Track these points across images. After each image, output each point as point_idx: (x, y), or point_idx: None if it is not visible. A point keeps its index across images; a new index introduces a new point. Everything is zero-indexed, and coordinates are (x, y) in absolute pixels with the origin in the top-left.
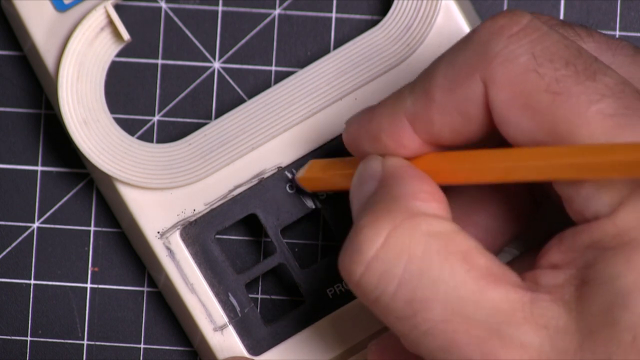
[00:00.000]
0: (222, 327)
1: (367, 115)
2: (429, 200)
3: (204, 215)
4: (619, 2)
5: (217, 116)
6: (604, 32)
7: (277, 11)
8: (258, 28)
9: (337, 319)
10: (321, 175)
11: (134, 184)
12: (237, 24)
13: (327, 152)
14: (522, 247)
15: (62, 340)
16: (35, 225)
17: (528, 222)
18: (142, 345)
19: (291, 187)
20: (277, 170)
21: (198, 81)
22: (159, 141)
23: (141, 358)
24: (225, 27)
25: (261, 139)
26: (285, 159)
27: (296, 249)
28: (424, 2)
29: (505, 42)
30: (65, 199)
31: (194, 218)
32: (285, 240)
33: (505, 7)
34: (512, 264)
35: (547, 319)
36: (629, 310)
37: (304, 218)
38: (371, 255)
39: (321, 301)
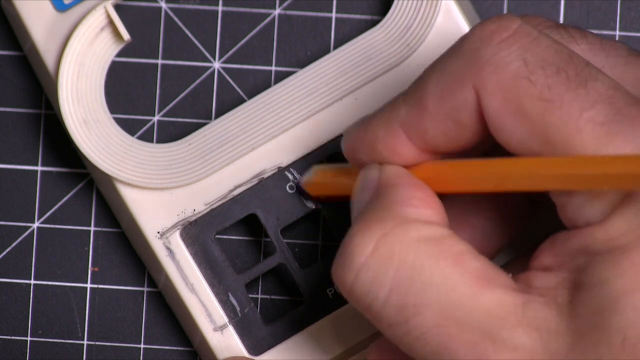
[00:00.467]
0: (222, 327)
1: (363, 126)
2: (421, 207)
3: (204, 215)
4: (619, 2)
5: (217, 116)
6: (604, 32)
7: (277, 11)
8: (258, 28)
9: (337, 319)
10: (325, 182)
11: (134, 184)
12: (237, 24)
13: (326, 152)
14: (518, 249)
15: (62, 340)
16: (35, 225)
17: (525, 224)
18: (142, 345)
19: (291, 187)
20: (277, 170)
21: (198, 81)
22: (159, 141)
23: (141, 358)
24: (225, 27)
25: (261, 139)
26: (285, 159)
27: (296, 249)
28: (424, 2)
29: (496, 49)
30: (65, 199)
31: (194, 218)
32: (285, 240)
33: (505, 7)
34: (506, 266)
35: (539, 321)
36: (618, 314)
37: (304, 218)
38: (361, 262)
39: (321, 301)
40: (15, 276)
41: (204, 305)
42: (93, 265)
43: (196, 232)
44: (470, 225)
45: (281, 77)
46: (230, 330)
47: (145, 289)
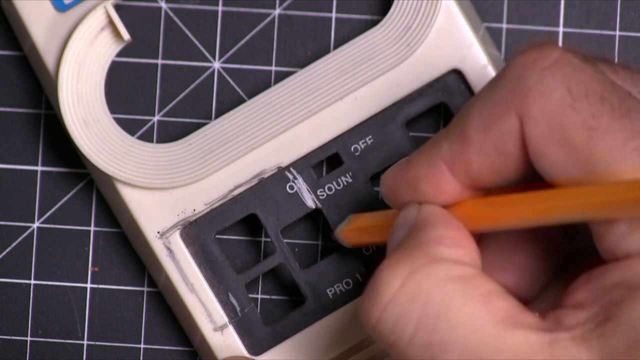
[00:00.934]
0: (222, 327)
1: (404, 165)
2: (452, 246)
3: (204, 215)
4: (619, 2)
5: (217, 116)
6: (604, 32)
7: (277, 11)
8: (258, 28)
9: (337, 319)
10: (362, 229)
11: (134, 184)
12: (237, 24)
13: (326, 152)
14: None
15: (62, 340)
16: (35, 225)
17: (563, 258)
18: (142, 345)
19: (291, 187)
20: (277, 170)
21: (198, 81)
22: (159, 141)
23: (141, 358)
24: (225, 27)
25: (261, 139)
26: (285, 159)
27: (296, 249)
28: (424, 2)
29: (539, 76)
30: (65, 199)
31: (194, 218)
32: (285, 240)
33: (505, 7)
34: (536, 299)
35: (567, 358)
36: None
37: (304, 218)
38: (388, 298)
39: (321, 301)
40: (15, 276)
41: (204, 305)
42: (93, 265)
43: (196, 232)
44: (515, 265)
45: (281, 77)
46: (230, 330)
47: (145, 289)
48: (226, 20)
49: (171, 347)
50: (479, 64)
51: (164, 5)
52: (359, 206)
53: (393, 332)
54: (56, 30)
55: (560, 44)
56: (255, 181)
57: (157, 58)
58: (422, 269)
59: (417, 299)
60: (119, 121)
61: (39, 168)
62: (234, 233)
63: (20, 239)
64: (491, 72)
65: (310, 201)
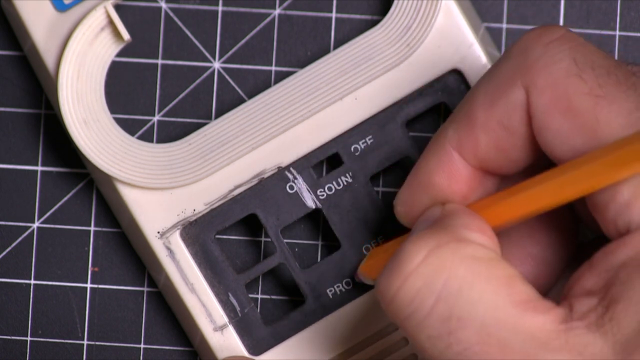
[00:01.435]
0: (222, 327)
1: (413, 171)
2: (478, 232)
3: (204, 215)
4: (619, 2)
5: (217, 116)
6: (604, 32)
7: (277, 11)
8: (258, 28)
9: (337, 319)
10: (383, 256)
11: (134, 184)
12: (237, 24)
13: (326, 152)
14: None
15: (62, 340)
16: (35, 225)
17: (575, 247)
18: (142, 345)
19: (291, 187)
20: (277, 170)
21: (198, 81)
22: (159, 141)
23: (141, 358)
24: (225, 27)
25: (261, 139)
26: (285, 159)
27: (296, 249)
28: (424, 2)
29: (544, 48)
30: (65, 199)
31: (194, 218)
32: (285, 240)
33: (505, 7)
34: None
35: (582, 346)
36: None
37: (304, 218)
38: (411, 269)
39: (321, 301)
40: (15, 276)
41: (204, 305)
42: (93, 265)
43: (196, 232)
44: (532, 256)
45: (281, 77)
46: (230, 330)
47: (145, 289)
48: (226, 20)
49: (171, 347)
50: (479, 64)
51: (164, 5)
52: (359, 206)
53: (412, 303)
54: (56, 30)
55: None
56: (255, 181)
57: (157, 58)
58: (448, 244)
59: (440, 272)
60: (119, 121)
61: (39, 168)
62: (234, 233)
63: (20, 239)
64: None
65: (310, 201)
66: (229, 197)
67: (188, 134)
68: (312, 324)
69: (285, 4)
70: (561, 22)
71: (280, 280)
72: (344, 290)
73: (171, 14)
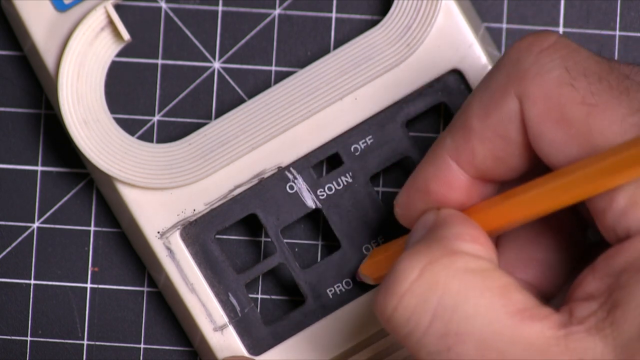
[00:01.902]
0: (222, 327)
1: (412, 176)
2: (470, 242)
3: (204, 215)
4: (619, 2)
5: (217, 116)
6: (603, 32)
7: (277, 11)
8: (258, 28)
9: (337, 319)
10: (384, 258)
11: (134, 184)
12: (237, 24)
13: (326, 152)
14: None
15: (62, 340)
16: (35, 225)
17: (581, 252)
18: (142, 345)
19: (291, 187)
20: (277, 170)
21: (198, 81)
22: (159, 141)
23: (141, 358)
24: (225, 27)
25: (261, 139)
26: (285, 159)
27: (296, 249)
28: (424, 2)
29: (536, 57)
30: (65, 199)
31: (194, 218)
32: (285, 240)
33: (505, 7)
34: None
35: (582, 350)
36: None
37: (304, 218)
38: (405, 288)
39: (321, 301)
40: (15, 276)
41: (204, 305)
42: (93, 265)
43: (196, 232)
44: (536, 260)
45: (281, 77)
46: (230, 330)
47: (145, 289)
48: (226, 20)
49: (171, 347)
50: (479, 64)
51: (164, 5)
52: (359, 206)
53: (409, 322)
54: (56, 30)
55: None
56: (255, 181)
57: (157, 58)
58: (440, 260)
59: (434, 289)
60: (119, 121)
61: (39, 168)
62: (234, 233)
63: (20, 239)
64: None
65: (310, 201)
66: (229, 197)
67: (188, 134)
68: (312, 324)
69: (285, 4)
70: (561, 22)
71: (280, 280)
72: (344, 290)
73: (171, 14)
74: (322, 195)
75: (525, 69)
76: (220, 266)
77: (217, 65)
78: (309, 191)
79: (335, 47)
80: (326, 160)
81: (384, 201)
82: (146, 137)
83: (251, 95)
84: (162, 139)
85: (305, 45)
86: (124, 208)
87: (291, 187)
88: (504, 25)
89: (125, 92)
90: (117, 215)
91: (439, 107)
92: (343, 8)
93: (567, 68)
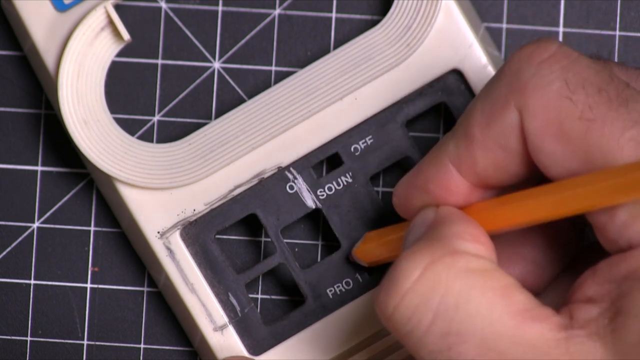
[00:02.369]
0: (222, 327)
1: (414, 170)
2: (471, 241)
3: (204, 215)
4: (619, 2)
5: (217, 116)
6: (603, 32)
7: (277, 11)
8: (258, 28)
9: (337, 319)
10: (377, 243)
11: (134, 184)
12: (237, 24)
13: (326, 152)
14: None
15: (62, 340)
16: (35, 225)
17: (574, 251)
18: (142, 345)
19: (291, 187)
20: (277, 170)
21: (198, 81)
22: (159, 141)
23: (141, 358)
24: (225, 27)
25: (261, 139)
26: (285, 159)
27: (296, 249)
28: (424, 2)
29: (536, 69)
30: (65, 199)
31: (194, 218)
32: (285, 240)
33: (505, 7)
34: (547, 291)
35: (583, 354)
36: None
37: (304, 218)
38: (407, 287)
39: (321, 301)
40: (15, 276)
41: (204, 305)
42: (93, 265)
43: (196, 232)
44: (523, 257)
45: (281, 77)
46: (230, 330)
47: (145, 289)
48: (226, 20)
49: (171, 347)
50: (479, 64)
51: (164, 5)
52: (359, 206)
53: (410, 321)
54: (56, 30)
55: None
56: (255, 181)
57: (157, 58)
58: (442, 259)
59: (436, 288)
60: (119, 121)
61: (39, 168)
62: (234, 233)
63: (20, 239)
64: (491, 72)
65: (310, 201)
66: (229, 197)
67: (188, 134)
68: (312, 324)
69: (285, 4)
70: (561, 22)
71: (280, 280)
72: (344, 290)
73: (171, 14)
74: (322, 195)
75: (526, 80)
76: (220, 266)
77: (217, 65)
78: (309, 191)
79: (335, 47)
80: (326, 160)
81: (384, 201)
82: (146, 137)
83: (251, 95)
84: (162, 139)
85: (305, 45)
86: (124, 208)
87: (291, 187)
88: (504, 25)
89: (125, 92)
90: (117, 215)
91: (439, 107)
92: (343, 8)
93: (566, 80)
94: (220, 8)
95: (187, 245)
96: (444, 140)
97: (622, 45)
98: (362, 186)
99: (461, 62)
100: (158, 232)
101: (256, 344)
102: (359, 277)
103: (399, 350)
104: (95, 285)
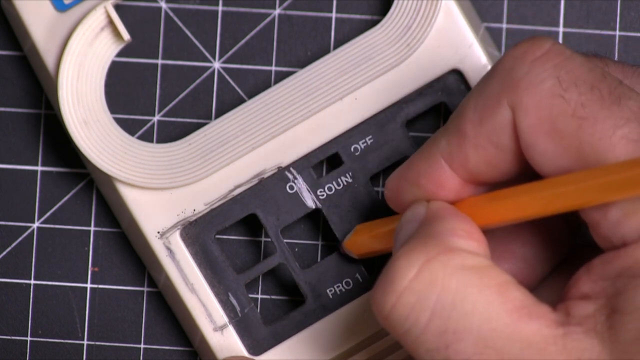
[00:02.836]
0: (222, 327)
1: (406, 164)
2: (466, 238)
3: (204, 215)
4: (619, 2)
5: (217, 116)
6: (603, 32)
7: (277, 11)
8: (258, 28)
9: (337, 319)
10: (367, 236)
11: (134, 184)
12: (237, 24)
13: (326, 152)
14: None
15: (62, 340)
16: (35, 225)
17: (566, 249)
18: (142, 345)
19: (291, 187)
20: (277, 170)
21: (198, 81)
22: (159, 141)
23: (141, 358)
24: (225, 27)
25: (261, 139)
26: (285, 159)
27: (296, 249)
28: (424, 2)
29: (529, 67)
30: (65, 199)
31: (194, 218)
32: (285, 240)
33: (505, 7)
34: (543, 288)
35: (580, 351)
36: None
37: (304, 218)
38: (403, 286)
39: (321, 301)
40: (15, 276)
41: (204, 305)
42: (93, 265)
43: (196, 232)
44: (514, 254)
45: (281, 77)
46: (230, 330)
47: (145, 289)
48: (226, 20)
49: (171, 347)
50: (479, 64)
51: (164, 5)
52: (359, 206)
53: (407, 319)
54: (56, 30)
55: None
56: (255, 181)
57: (157, 58)
58: (438, 257)
59: (433, 286)
60: (119, 121)
61: (39, 168)
62: (234, 233)
63: (20, 239)
64: None
65: (310, 201)
66: (229, 197)
67: (188, 134)
68: (312, 324)
69: (285, 4)
70: (561, 22)
71: (280, 280)
72: (344, 290)
73: (171, 14)
74: (322, 195)
75: (519, 78)
76: (220, 266)
77: (217, 65)
78: (309, 191)
79: (335, 47)
80: (326, 160)
81: (384, 201)
82: (146, 137)
83: (251, 95)
84: (162, 139)
85: (305, 45)
86: (124, 208)
87: (291, 187)
88: (504, 25)
89: (125, 92)
90: (117, 215)
91: (439, 107)
92: (343, 8)
93: (559, 78)
94: (220, 8)
95: (187, 245)
96: (436, 136)
97: (622, 45)
98: (362, 186)
99: (461, 62)
100: (158, 232)
101: (256, 344)
102: (359, 277)
103: (399, 350)
104: (95, 285)
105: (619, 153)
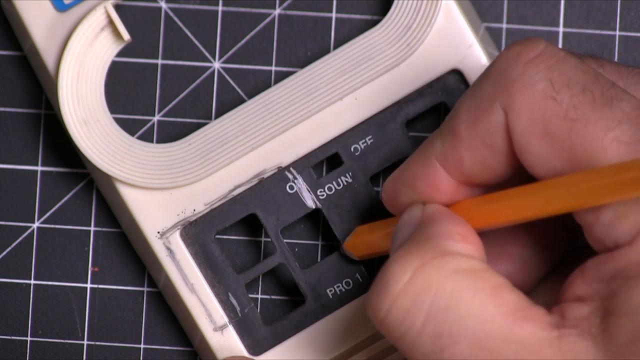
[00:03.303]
0: (222, 327)
1: (401, 168)
2: (461, 241)
3: (204, 215)
4: (619, 2)
5: (217, 116)
6: (603, 32)
7: (277, 11)
8: (258, 28)
9: (337, 319)
10: (367, 238)
11: (134, 184)
12: (237, 24)
13: (326, 152)
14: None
15: (62, 340)
16: (35, 225)
17: (563, 251)
18: (142, 345)
19: (291, 187)
20: (277, 170)
21: (198, 81)
22: (159, 141)
23: (141, 358)
24: (225, 27)
25: (261, 139)
26: (285, 159)
27: (296, 249)
28: (424, 2)
29: (523, 69)
30: (65, 199)
31: (194, 218)
32: (285, 240)
33: (505, 7)
34: (539, 290)
35: (575, 353)
36: None
37: (304, 218)
38: (398, 290)
39: (321, 301)
40: (15, 276)
41: (204, 305)
42: (93, 265)
43: (196, 232)
44: (510, 255)
45: (281, 77)
46: (230, 330)
47: (145, 289)
48: (226, 20)
49: (171, 347)
50: (479, 64)
51: (164, 5)
52: (359, 206)
53: (403, 323)
54: (56, 30)
55: (560, 44)
56: (255, 181)
57: (157, 58)
58: (432, 261)
59: (427, 290)
60: (119, 121)
61: (39, 168)
62: (234, 233)
63: (20, 239)
64: None
65: (310, 201)
66: (229, 197)
67: (188, 134)
68: (312, 324)
69: (285, 4)
70: (561, 22)
71: (280, 280)
72: (344, 290)
73: (171, 14)
74: (322, 195)
75: (512, 80)
76: (220, 266)
77: (217, 65)
78: (309, 191)
79: (335, 47)
80: (326, 160)
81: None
82: (146, 137)
83: (251, 95)
84: (162, 139)
85: (305, 45)
86: (124, 208)
87: (291, 187)
88: (504, 25)
89: (125, 92)
90: (117, 215)
91: (439, 107)
92: (343, 8)
93: (551, 80)
94: (220, 8)
95: (187, 245)
96: (431, 138)
97: (622, 45)
98: (362, 186)
99: (461, 62)
100: (158, 232)
101: (256, 344)
102: (359, 277)
103: (399, 351)
104: (95, 285)
105: (611, 155)
